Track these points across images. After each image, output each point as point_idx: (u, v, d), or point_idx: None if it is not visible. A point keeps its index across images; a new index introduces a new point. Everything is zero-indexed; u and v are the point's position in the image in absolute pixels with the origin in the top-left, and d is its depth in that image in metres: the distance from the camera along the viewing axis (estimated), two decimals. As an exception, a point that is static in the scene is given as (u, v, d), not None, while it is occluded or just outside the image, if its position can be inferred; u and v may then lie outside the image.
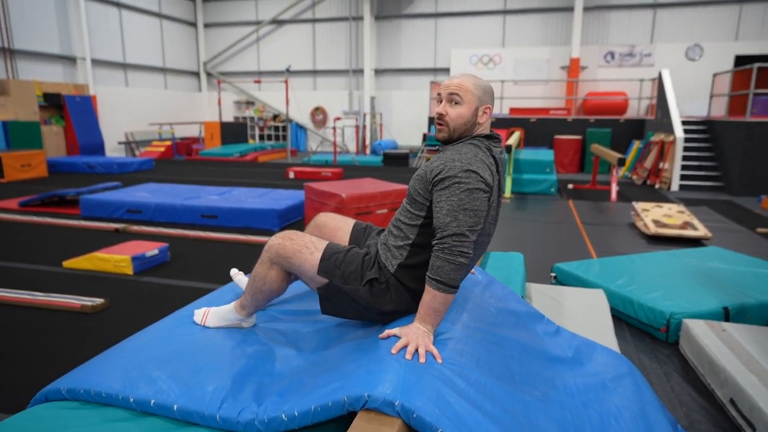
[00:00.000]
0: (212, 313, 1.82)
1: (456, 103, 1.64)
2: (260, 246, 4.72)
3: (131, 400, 1.34)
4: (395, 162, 12.11)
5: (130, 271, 3.94)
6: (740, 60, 13.04)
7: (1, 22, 11.03)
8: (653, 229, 5.03)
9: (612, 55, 13.90)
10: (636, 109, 13.77)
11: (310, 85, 17.16)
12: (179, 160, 13.34)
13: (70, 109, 12.04)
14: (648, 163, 9.39)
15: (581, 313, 2.50)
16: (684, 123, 9.72)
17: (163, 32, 16.07)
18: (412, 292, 1.64)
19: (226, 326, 1.80)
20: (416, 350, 1.40)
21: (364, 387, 1.19)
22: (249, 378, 1.43)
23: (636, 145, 10.50)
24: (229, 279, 3.71)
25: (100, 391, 1.37)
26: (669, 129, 9.18)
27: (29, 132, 10.95)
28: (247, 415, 1.28)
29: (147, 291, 3.57)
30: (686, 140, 9.28)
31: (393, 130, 16.55)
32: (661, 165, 9.05)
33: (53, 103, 11.91)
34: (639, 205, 5.77)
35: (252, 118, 17.82)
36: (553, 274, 3.69)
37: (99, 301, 3.28)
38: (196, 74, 17.94)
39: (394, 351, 1.38)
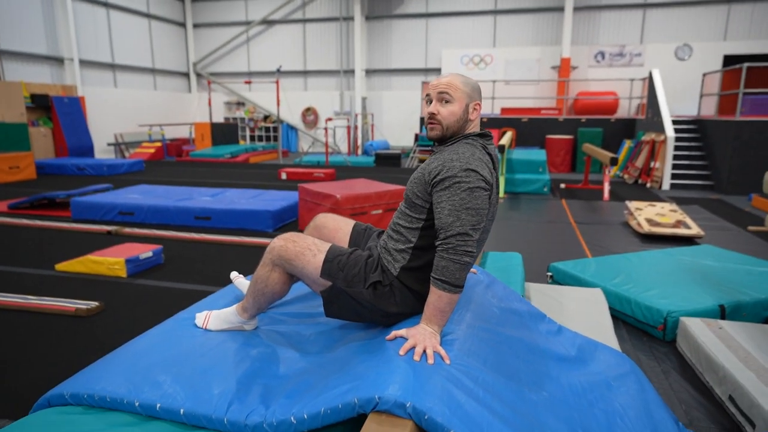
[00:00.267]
0: (214, 316, 1.80)
1: (447, 101, 1.64)
2: (255, 247, 4.70)
3: (136, 404, 1.32)
4: (387, 162, 12.11)
5: (124, 273, 3.90)
6: (729, 60, 13.21)
7: (-13, 22, 10.88)
8: (647, 227, 5.07)
9: (602, 54, 14.01)
10: (626, 109, 13.89)
11: (301, 85, 17.11)
12: (170, 161, 13.23)
13: (58, 111, 11.90)
14: (639, 162, 9.47)
15: (581, 312, 2.51)
16: (674, 122, 9.82)
17: (152, 32, 15.94)
18: (416, 294, 1.64)
19: (228, 329, 1.79)
20: (424, 351, 1.39)
21: (375, 389, 1.18)
22: (255, 381, 1.41)
23: (627, 144, 10.59)
24: (225, 281, 3.68)
25: (105, 396, 1.35)
26: (660, 128, 9.26)
27: (16, 134, 10.79)
28: (255, 417, 1.26)
29: (142, 294, 3.53)
30: (677, 139, 9.38)
31: (384, 131, 16.55)
32: (652, 164, 9.13)
33: (41, 104, 11.76)
34: (632, 204, 5.81)
35: (243, 119, 17.73)
36: (549, 274, 3.70)
37: (93, 304, 3.24)
38: (186, 75, 17.82)
39: (402, 352, 1.37)
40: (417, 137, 12.70)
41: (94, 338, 2.83)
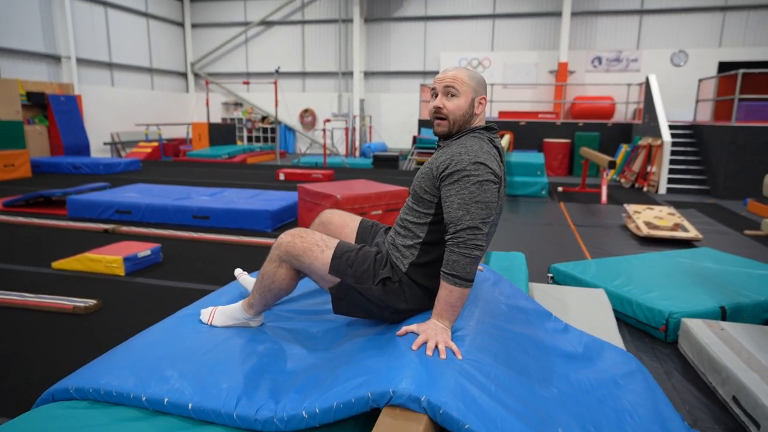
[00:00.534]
0: (219, 312, 1.79)
1: (452, 95, 1.63)
2: (254, 247, 4.67)
3: (143, 398, 1.30)
4: (385, 164, 12.11)
5: (121, 271, 3.86)
6: (724, 66, 13.32)
7: (-17, 20, 10.81)
8: (645, 230, 5.09)
9: (599, 59, 14.09)
10: (623, 114, 13.96)
11: (299, 86, 17.10)
12: (166, 161, 13.18)
13: (55, 109, 11.83)
14: (636, 166, 9.51)
15: (584, 312, 2.51)
16: (671, 127, 9.87)
17: (150, 32, 15.89)
18: (426, 289, 1.63)
19: (234, 325, 1.77)
20: (436, 346, 1.38)
21: (388, 383, 1.17)
22: (263, 376, 1.40)
23: (624, 148, 10.64)
24: (225, 280, 3.66)
25: (111, 390, 1.33)
26: (656, 133, 9.31)
27: (12, 132, 10.70)
28: (265, 412, 1.24)
29: (140, 292, 3.51)
30: (673, 144, 9.43)
31: (382, 133, 16.56)
32: (648, 168, 9.17)
33: (37, 102, 11.69)
34: (630, 207, 5.83)
35: (240, 120, 17.70)
36: (550, 275, 3.70)
37: (91, 302, 3.21)
38: (184, 75, 17.77)
39: (414, 347, 1.36)
40: (415, 139, 12.70)
41: (93, 336, 2.80)
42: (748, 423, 2.06)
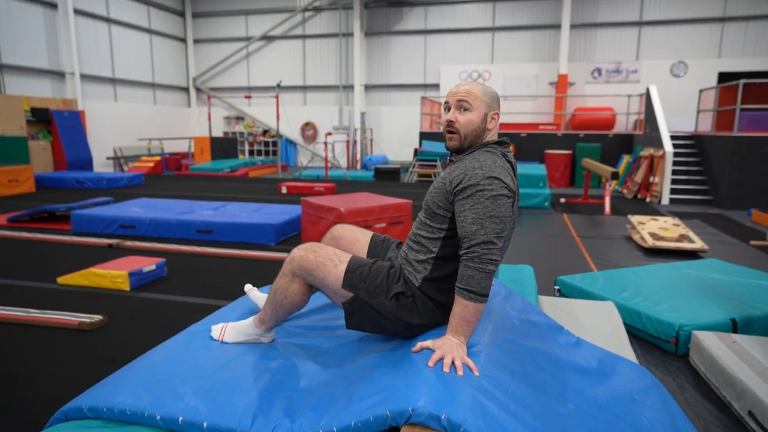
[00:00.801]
0: (230, 328, 1.77)
1: (465, 109, 1.63)
2: (258, 261, 4.66)
3: (158, 417, 1.29)
4: (387, 177, 12.13)
5: (127, 287, 3.85)
6: (723, 77, 13.39)
7: (-12, 37, 10.92)
8: (651, 241, 5.07)
9: (599, 71, 14.18)
10: (624, 125, 14.01)
11: (300, 100, 17.20)
12: (169, 175, 13.21)
13: (58, 124, 11.90)
14: (638, 177, 9.52)
15: (595, 326, 2.49)
16: (672, 138, 9.90)
17: (152, 48, 16.04)
18: (439, 304, 1.62)
19: (245, 341, 1.75)
20: (452, 362, 1.37)
21: (407, 401, 1.16)
22: (277, 394, 1.38)
23: (626, 159, 10.65)
24: (230, 294, 3.64)
25: (125, 409, 1.31)
26: (658, 143, 9.33)
27: (16, 147, 10.75)
28: (281, 432, 1.23)
29: (146, 307, 3.49)
30: (675, 155, 9.44)
31: (383, 146, 16.61)
32: (651, 179, 9.17)
33: (41, 117, 11.76)
34: (635, 218, 5.82)
35: (242, 134, 17.78)
36: (556, 287, 3.68)
37: (97, 317, 3.19)
38: (186, 89, 17.89)
39: (431, 364, 1.35)
40: (416, 152, 12.73)
41: (99, 352, 2.78)
42: (764, 437, 2.03)
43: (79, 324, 3.11)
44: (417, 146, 13.63)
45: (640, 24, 13.90)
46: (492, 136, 1.69)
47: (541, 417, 1.27)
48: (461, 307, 1.48)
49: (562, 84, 13.99)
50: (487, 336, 1.58)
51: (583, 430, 1.33)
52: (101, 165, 13.99)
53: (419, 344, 1.48)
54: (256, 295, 2.08)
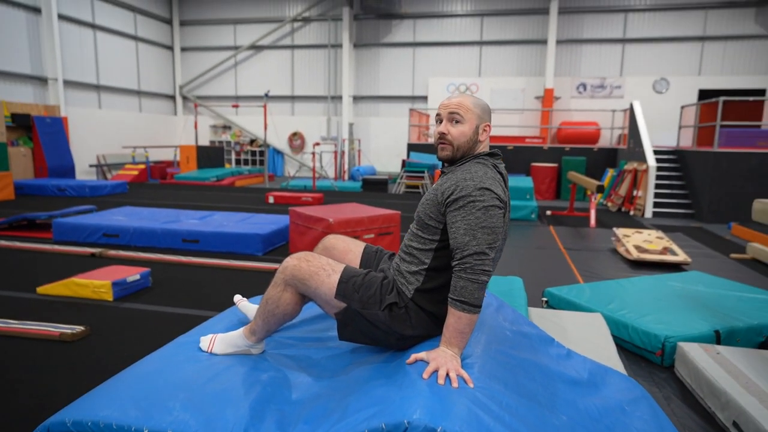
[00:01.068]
0: (219, 340, 1.74)
1: (457, 121, 1.65)
2: (245, 271, 4.61)
3: (145, 431, 1.26)
4: (375, 188, 12.14)
5: (110, 297, 3.78)
6: (704, 94, 13.72)
7: (-29, 41, 10.75)
8: (635, 254, 5.13)
9: (584, 86, 14.44)
10: (608, 139, 14.24)
11: (288, 110, 17.19)
12: (154, 183, 13.07)
13: (40, 131, 11.72)
14: (622, 190, 9.66)
15: (583, 337, 2.50)
16: (655, 152, 10.08)
17: (138, 55, 15.93)
18: (432, 315, 1.62)
19: (234, 353, 1.73)
20: (447, 374, 1.36)
21: (402, 413, 1.15)
22: (268, 406, 1.36)
23: (610, 173, 10.82)
24: (216, 305, 3.59)
25: (110, 423, 1.28)
26: (641, 158, 9.49)
27: (-4, 153, 10.56)
28: (273, 445, 1.21)
29: (129, 318, 3.42)
30: (658, 169, 9.61)
31: (371, 156, 16.65)
32: (635, 192, 9.32)
33: (22, 123, 11.57)
34: (620, 231, 5.89)
35: (229, 143, 17.68)
36: (544, 299, 3.70)
37: (79, 328, 3.12)
38: (172, 98, 17.78)
39: (425, 376, 1.34)
40: (404, 163, 12.78)
41: (82, 364, 2.71)
42: (750, 449, 2.05)
43: (60, 335, 3.03)
44: (405, 158, 13.69)
45: (624, 41, 14.21)
46: (483, 147, 1.70)
47: (535, 428, 1.26)
48: (455, 319, 1.48)
49: (548, 98, 14.20)
50: (480, 347, 1.57)
51: (576, 442, 1.33)
52: (84, 173, 13.79)
53: (413, 356, 1.47)
54: (245, 305, 2.05)
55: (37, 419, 2.05)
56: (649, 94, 14.04)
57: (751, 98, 8.85)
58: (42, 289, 3.89)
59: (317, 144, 14.00)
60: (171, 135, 17.64)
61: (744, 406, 2.15)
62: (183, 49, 17.53)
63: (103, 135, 14.55)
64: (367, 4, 15.22)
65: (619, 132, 13.78)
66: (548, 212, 8.87)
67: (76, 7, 13.41)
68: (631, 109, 10.66)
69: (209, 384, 1.46)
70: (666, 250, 5.21)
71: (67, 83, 13.19)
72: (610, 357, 2.28)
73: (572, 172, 9.41)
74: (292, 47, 16.68)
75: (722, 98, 8.50)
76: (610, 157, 11.85)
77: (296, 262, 1.63)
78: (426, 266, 1.62)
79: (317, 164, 16.37)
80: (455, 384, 1.32)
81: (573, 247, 6.01)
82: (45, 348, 2.90)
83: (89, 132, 13.98)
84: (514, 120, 14.88)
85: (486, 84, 15.10)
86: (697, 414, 2.38)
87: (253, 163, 17.56)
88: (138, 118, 16.03)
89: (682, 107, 10.66)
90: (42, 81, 12.58)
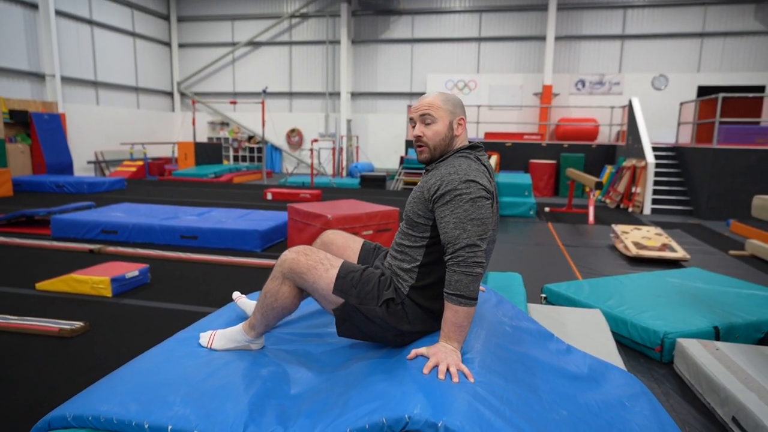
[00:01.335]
0: (219, 335, 1.74)
1: (429, 122, 1.66)
2: (243, 267, 4.61)
3: (146, 426, 1.25)
4: (373, 184, 12.13)
5: (108, 293, 3.77)
6: (702, 90, 13.72)
7: (-33, 37, 10.70)
8: (634, 250, 5.14)
9: (582, 82, 14.42)
10: (607, 135, 14.24)
11: (286, 106, 17.15)
12: (152, 180, 13.04)
13: (38, 127, 11.67)
14: (621, 187, 9.67)
15: (583, 333, 2.50)
16: (654, 149, 10.08)
17: (136, 51, 15.87)
18: (429, 311, 1.62)
19: (234, 348, 1.72)
20: (447, 369, 1.36)
21: (403, 408, 1.14)
22: (268, 401, 1.36)
23: (609, 169, 10.82)
24: (215, 301, 3.59)
25: (111, 418, 1.27)
26: (640, 154, 9.50)
27: (-7, 150, 10.52)
28: (273, 440, 1.21)
29: (128, 314, 3.42)
30: (656, 165, 9.61)
31: (369, 153, 16.63)
32: (633, 189, 9.32)
33: (19, 120, 11.53)
34: (618, 228, 5.90)
35: (227, 139, 17.65)
36: (543, 295, 3.70)
37: (78, 324, 3.12)
38: (170, 94, 17.72)
39: (425, 371, 1.34)
40: (402, 160, 12.77)
41: (81, 360, 2.71)
42: (749, 444, 2.06)
43: (59, 331, 3.03)
44: (403, 154, 13.68)
45: (622, 37, 14.20)
46: (462, 141, 1.71)
47: (536, 423, 1.26)
48: (452, 313, 1.48)
49: (546, 95, 14.19)
50: (480, 342, 1.57)
51: (576, 437, 1.33)
52: (82, 169, 13.75)
53: (414, 351, 1.48)
54: (244, 302, 2.05)
55: (37, 414, 2.05)
56: (648, 91, 14.03)
57: (750, 95, 8.86)
58: (41, 285, 3.88)
59: (315, 140, 13.97)
60: (169, 131, 17.59)
61: (743, 402, 2.16)
62: (181, 46, 17.47)
63: (101, 131, 14.50)
64: (364, 1, 15.18)
65: (617, 129, 13.78)
66: (546, 209, 8.87)
67: (73, 3, 13.34)
68: (630, 106, 10.66)
69: (209, 379, 1.46)
70: (665, 247, 5.21)
71: (65, 79, 13.14)
72: (609, 353, 2.28)
73: (571, 168, 9.41)
74: (290, 43, 16.63)
75: (721, 95, 8.50)
76: (609, 153, 11.85)
77: (294, 256, 1.62)
78: (418, 263, 1.63)
79: (315, 161, 16.34)
80: (456, 379, 1.32)
81: (571, 244, 6.01)
82: (44, 343, 2.89)
83: (87, 128, 13.94)
84: (512, 117, 14.87)
85: (484, 80, 15.07)
86: (696, 410, 2.39)
87: (251, 159, 17.53)
88: (136, 115, 15.99)
89: (681, 104, 10.66)
90: (39, 77, 12.53)
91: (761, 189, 8.17)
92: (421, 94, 15.79)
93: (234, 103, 14.72)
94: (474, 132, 14.10)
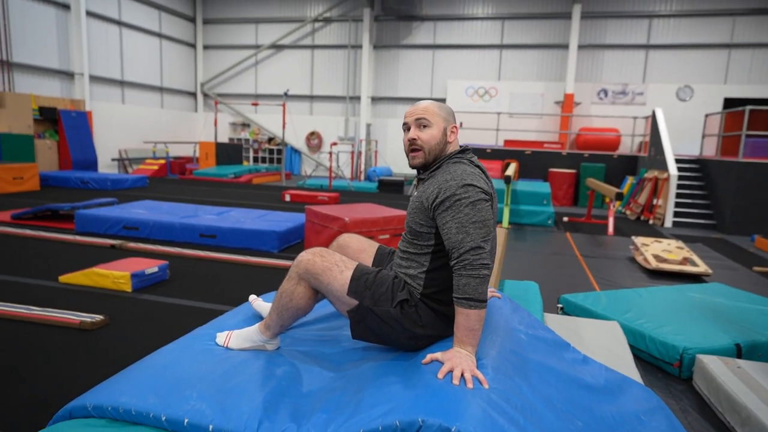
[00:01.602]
0: (236, 335, 1.77)
1: (425, 126, 1.67)
2: (260, 267, 4.65)
3: (163, 418, 1.28)
4: (390, 189, 12.15)
5: (128, 288, 3.84)
6: (729, 102, 13.45)
7: (1, 35, 11.02)
8: (654, 263, 5.06)
9: (605, 92, 14.26)
10: (629, 146, 14.05)
11: (307, 109, 17.29)
12: (173, 178, 13.25)
13: (65, 124, 11.97)
14: (642, 198, 9.52)
15: (600, 345, 2.47)
16: (677, 161, 9.92)
17: (162, 52, 16.18)
18: (441, 315, 1.63)
19: (250, 348, 1.74)
20: (462, 375, 1.36)
21: (416, 412, 1.15)
22: (282, 399, 1.37)
23: (630, 180, 10.67)
24: (231, 299, 3.63)
25: (130, 409, 1.30)
26: (662, 166, 9.35)
27: (22, 145, 10.83)
28: (287, 438, 1.22)
29: (147, 309, 3.48)
30: (679, 178, 9.45)
31: (388, 158, 16.67)
32: (654, 201, 9.18)
33: (48, 117, 11.83)
34: (639, 240, 5.81)
35: (247, 140, 17.85)
36: (559, 305, 3.66)
37: (98, 317, 3.18)
38: (193, 94, 18.01)
39: (440, 376, 1.34)
40: (420, 165, 12.75)
41: (100, 352, 2.76)
42: (769, 465, 2.01)
43: (80, 323, 3.10)
44: (421, 159, 13.65)
45: (647, 47, 14.02)
46: (453, 148, 1.73)
47: (550, 433, 1.25)
48: (463, 317, 1.49)
49: (568, 103, 14.07)
50: (495, 349, 1.57)
51: (591, 449, 1.32)
52: (106, 166, 14.04)
53: (429, 356, 1.48)
54: (260, 304, 2.07)
55: (57, 403, 2.09)
56: (672, 102, 13.81)
57: (778, 108, 8.65)
58: (64, 278, 3.97)
59: (334, 144, 14.05)
60: (191, 131, 17.87)
61: (766, 423, 2.10)
62: (205, 47, 17.75)
63: (126, 130, 14.80)
64: (387, 6, 15.25)
65: (640, 139, 13.58)
66: (565, 218, 8.78)
67: (103, 4, 13.67)
68: (654, 117, 10.50)
69: (225, 376, 1.48)
70: (686, 261, 5.12)
71: (93, 78, 13.46)
72: (626, 366, 2.25)
73: (591, 178, 9.30)
74: (313, 47, 16.79)
75: (749, 107, 8.33)
76: (631, 164, 11.69)
77: (310, 257, 1.64)
78: (425, 269, 1.65)
79: (334, 164, 16.43)
80: (470, 384, 1.31)
81: (590, 255, 5.94)
82: (65, 335, 2.96)
83: (112, 126, 14.24)
84: (532, 125, 14.77)
85: (505, 88, 15.01)
86: (715, 429, 2.34)
87: (271, 161, 17.70)
88: (160, 114, 16.28)
89: (707, 116, 10.48)
90: (69, 76, 12.85)
91: (788, 204, 7.97)
92: (442, 100, 15.78)
93: (255, 104, 14.90)
94: (494, 139, 14.04)
